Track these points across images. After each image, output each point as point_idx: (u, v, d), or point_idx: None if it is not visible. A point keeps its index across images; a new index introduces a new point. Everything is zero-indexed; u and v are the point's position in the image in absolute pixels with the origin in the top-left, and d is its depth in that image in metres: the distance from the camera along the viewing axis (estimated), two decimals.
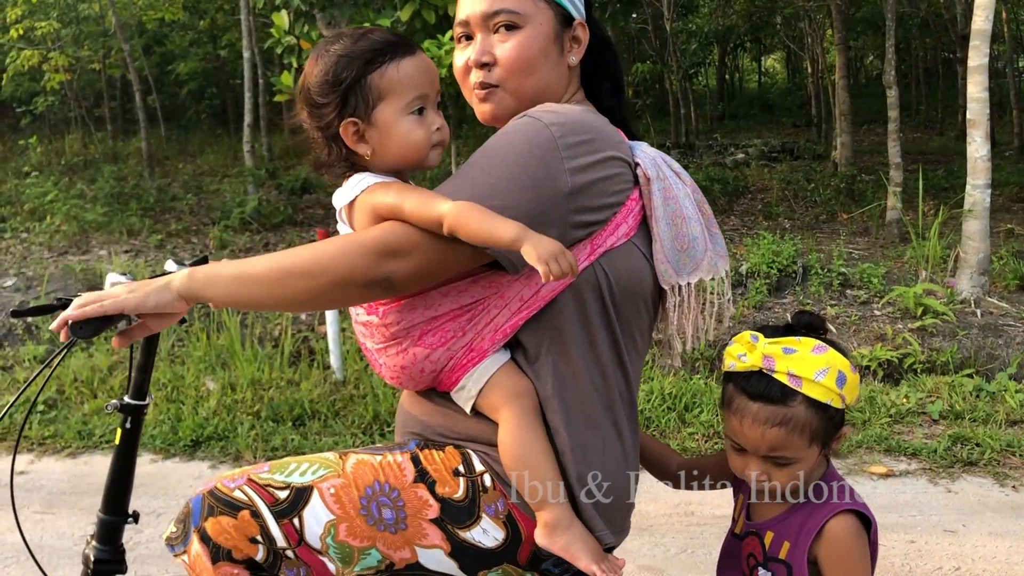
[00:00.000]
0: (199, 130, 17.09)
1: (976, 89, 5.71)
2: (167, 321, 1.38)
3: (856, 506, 1.37)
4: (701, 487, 1.71)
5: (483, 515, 1.33)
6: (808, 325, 1.40)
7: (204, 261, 1.71)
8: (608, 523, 1.35)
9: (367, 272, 1.24)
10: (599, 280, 1.33)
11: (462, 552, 1.33)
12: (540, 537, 1.29)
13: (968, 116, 5.81)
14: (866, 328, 5.70)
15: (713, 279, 1.46)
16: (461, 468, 1.35)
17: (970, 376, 4.87)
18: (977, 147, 5.75)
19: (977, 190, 5.79)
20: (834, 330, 5.49)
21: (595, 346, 1.35)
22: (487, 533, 1.33)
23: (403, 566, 1.35)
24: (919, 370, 5.08)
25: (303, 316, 5.98)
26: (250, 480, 1.39)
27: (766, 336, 1.38)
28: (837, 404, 1.34)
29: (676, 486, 1.71)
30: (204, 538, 1.37)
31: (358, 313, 1.43)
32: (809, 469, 1.36)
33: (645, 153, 1.41)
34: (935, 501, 3.62)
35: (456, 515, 1.33)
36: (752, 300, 5.80)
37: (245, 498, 1.37)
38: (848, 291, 6.21)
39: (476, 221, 1.21)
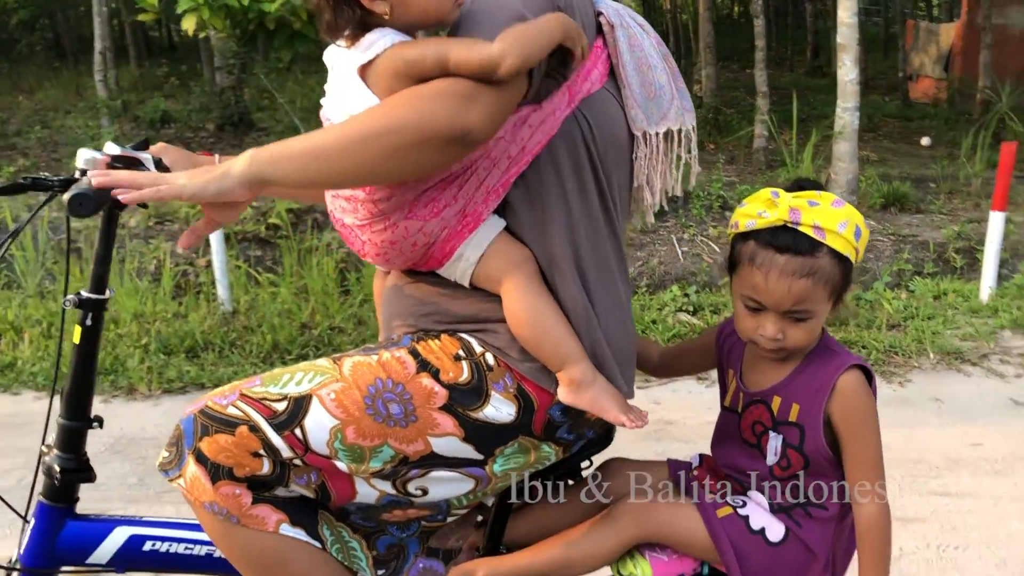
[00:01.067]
0: (32, 64, 15.81)
1: (846, 14, 5.94)
2: (232, 212, 1.27)
3: (860, 360, 1.40)
4: (682, 373, 1.73)
5: (492, 393, 1.29)
6: (808, 187, 1.40)
7: (144, 145, 1.56)
8: (621, 375, 1.34)
9: (448, 122, 1.15)
10: (582, 128, 1.30)
11: (477, 433, 1.29)
12: (566, 396, 1.27)
13: (838, 40, 6.05)
14: None
15: (681, 131, 1.43)
16: (461, 352, 1.30)
17: None
18: (847, 71, 6.01)
19: (847, 112, 6.07)
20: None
21: (586, 198, 1.32)
22: (499, 409, 1.29)
23: (417, 458, 1.29)
24: None
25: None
26: (242, 395, 1.29)
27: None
28: (854, 258, 1.35)
29: (658, 375, 1.71)
30: (200, 458, 1.27)
31: None
32: (817, 329, 1.39)
33: (607, 3, 1.38)
34: None
35: (465, 398, 1.28)
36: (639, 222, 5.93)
37: (240, 414, 1.28)
38: (727, 213, 6.41)
39: (533, 37, 1.17)
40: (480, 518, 1.48)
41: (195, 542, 1.39)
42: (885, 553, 1.37)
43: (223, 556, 1.39)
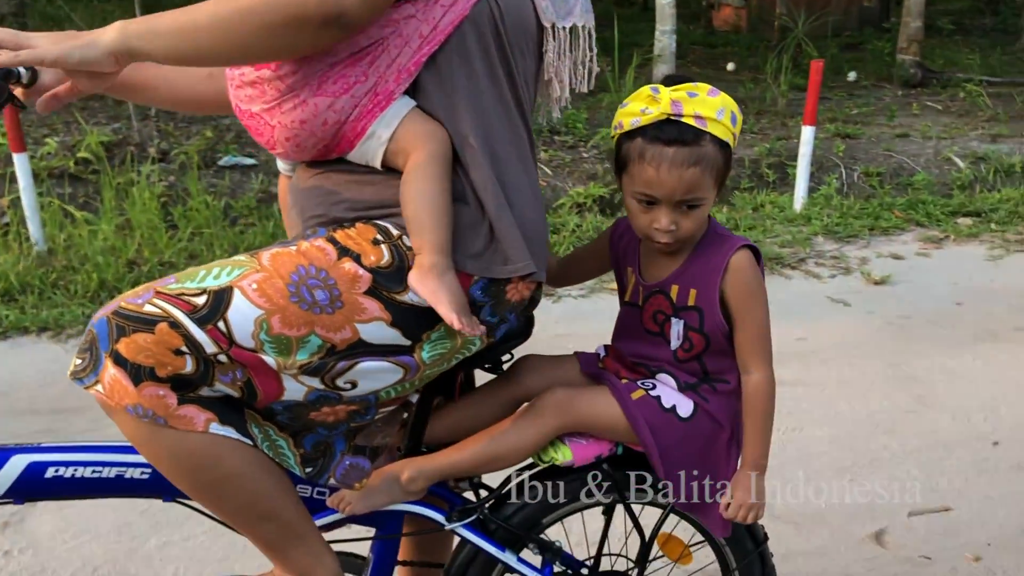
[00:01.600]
0: None
1: None
2: (98, 83, 1.23)
3: (748, 241, 1.48)
4: (580, 279, 1.77)
5: None
6: (681, 81, 1.46)
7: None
8: (533, 256, 1.35)
9: (320, 3, 1.14)
10: (493, 12, 1.31)
11: (403, 317, 1.28)
12: (411, 278, 1.26)
13: None
14: (578, 169, 6.07)
15: (586, 27, 1.46)
16: (379, 236, 1.29)
17: None
18: None
19: (665, 36, 6.30)
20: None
21: (497, 82, 1.33)
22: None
23: (345, 347, 1.26)
24: None
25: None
26: (158, 293, 1.22)
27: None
28: (732, 143, 1.42)
29: (557, 284, 1.74)
30: (119, 360, 1.19)
31: (244, 73, 1.29)
32: (706, 216, 1.45)
33: None
34: None
35: (389, 281, 1.27)
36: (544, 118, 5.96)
37: (159, 311, 1.20)
38: (556, 137, 6.54)
39: None
40: (406, 415, 1.47)
41: (104, 464, 1.30)
42: (769, 418, 1.49)
43: (135, 477, 1.32)
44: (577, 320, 3.95)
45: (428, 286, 1.24)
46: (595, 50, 1.49)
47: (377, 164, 1.31)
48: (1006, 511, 2.65)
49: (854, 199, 5.78)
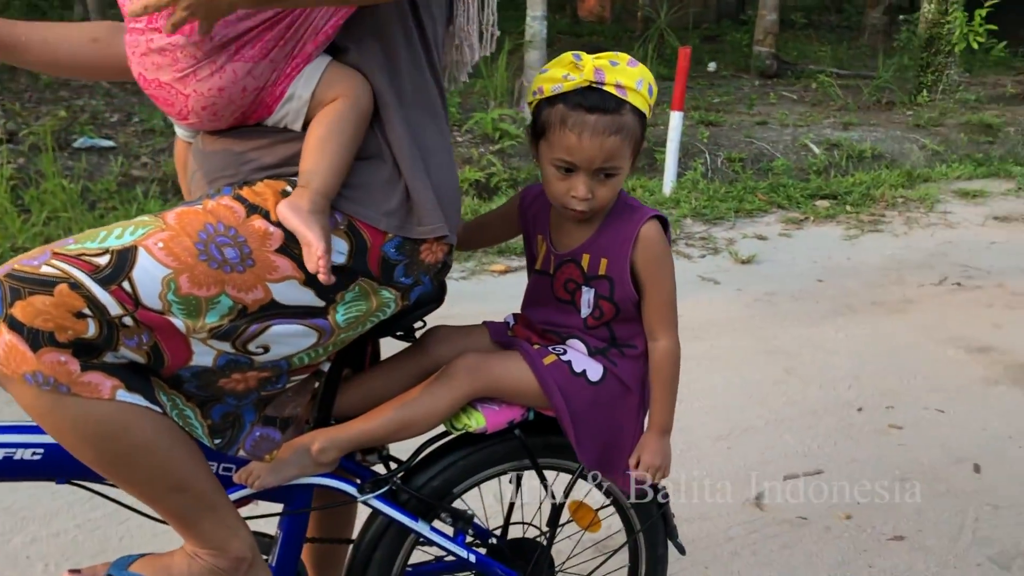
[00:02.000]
0: None
1: None
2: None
3: (658, 212, 1.51)
4: (484, 245, 1.76)
5: None
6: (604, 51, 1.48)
7: None
8: (446, 219, 1.34)
9: None
10: None
11: (316, 277, 1.23)
12: (282, 207, 1.21)
13: None
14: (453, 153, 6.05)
15: None
16: (288, 188, 1.25)
17: None
18: None
19: (536, 21, 6.35)
20: None
21: (412, 44, 1.33)
22: (333, 248, 1.24)
23: (257, 308, 1.21)
24: (504, 187, 5.57)
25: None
26: (56, 254, 1.13)
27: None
28: (648, 114, 1.44)
29: (460, 249, 1.73)
30: (15, 325, 1.10)
31: (151, 40, 1.22)
32: (620, 186, 1.47)
33: None
34: None
35: None
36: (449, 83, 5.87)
37: (57, 272, 1.12)
38: None
39: None
40: (317, 384, 1.43)
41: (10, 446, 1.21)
42: (675, 383, 1.51)
43: (26, 458, 1.23)
44: (460, 301, 3.93)
45: (301, 216, 1.20)
46: (496, 14, 1.50)
47: (298, 127, 1.27)
48: (872, 472, 2.81)
49: (719, 183, 6.00)
